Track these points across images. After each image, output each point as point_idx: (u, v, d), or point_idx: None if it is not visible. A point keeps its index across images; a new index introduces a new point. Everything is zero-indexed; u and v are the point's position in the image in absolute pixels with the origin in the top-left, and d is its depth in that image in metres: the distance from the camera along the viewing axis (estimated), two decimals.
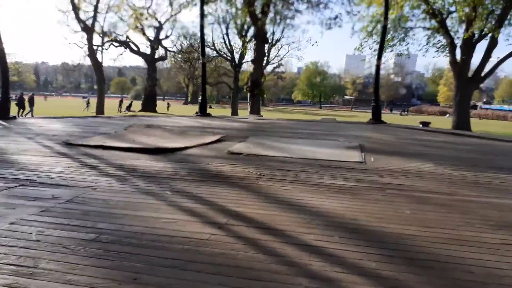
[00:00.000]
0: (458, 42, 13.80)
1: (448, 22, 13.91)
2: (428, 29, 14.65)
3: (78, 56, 55.24)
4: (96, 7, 21.84)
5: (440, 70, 61.09)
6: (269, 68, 33.74)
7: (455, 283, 1.33)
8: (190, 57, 33.19)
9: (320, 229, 1.82)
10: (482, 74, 14.11)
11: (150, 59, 30.30)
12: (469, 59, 13.90)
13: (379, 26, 13.20)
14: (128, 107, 29.99)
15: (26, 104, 17.65)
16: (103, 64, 23.99)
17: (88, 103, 28.68)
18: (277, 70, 38.48)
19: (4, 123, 6.27)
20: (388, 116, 20.22)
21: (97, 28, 22.75)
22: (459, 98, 14.19)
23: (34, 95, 19.46)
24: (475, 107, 42.62)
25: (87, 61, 24.15)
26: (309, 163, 3.54)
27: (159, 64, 37.89)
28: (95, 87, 30.66)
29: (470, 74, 14.21)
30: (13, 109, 16.81)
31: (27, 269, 1.30)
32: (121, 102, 30.54)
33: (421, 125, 9.75)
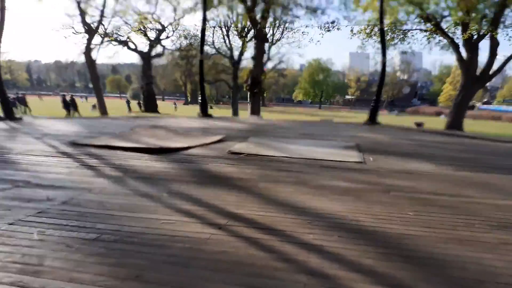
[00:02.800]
0: (459, 42, 13.84)
1: (444, 25, 13.99)
2: (425, 31, 14.73)
3: (72, 54, 54.62)
4: (102, 12, 21.93)
5: (447, 68, 59.91)
6: (269, 64, 33.49)
7: (450, 280, 1.35)
8: (188, 54, 33.03)
9: (322, 230, 1.82)
10: (490, 72, 14.08)
11: (146, 57, 30.19)
12: (475, 57, 13.87)
13: (376, 29, 13.29)
14: (140, 105, 30.30)
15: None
16: (97, 62, 23.96)
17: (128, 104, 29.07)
18: (278, 67, 38.17)
19: (12, 123, 6.22)
20: (383, 117, 20.23)
21: (100, 30, 22.81)
22: (460, 98, 14.18)
23: (65, 95, 19.61)
24: (472, 107, 42.57)
25: (81, 59, 24.12)
26: (308, 163, 3.55)
27: (155, 61, 37.61)
28: (90, 85, 30.66)
29: (478, 71, 14.17)
30: (62, 112, 16.91)
31: (32, 267, 1.31)
32: (128, 102, 30.66)
33: (416, 126, 9.80)
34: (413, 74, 68.19)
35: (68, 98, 18.28)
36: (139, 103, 31.33)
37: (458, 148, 5.39)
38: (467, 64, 13.90)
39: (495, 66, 14.08)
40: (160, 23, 25.94)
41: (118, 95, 65.63)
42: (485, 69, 14.05)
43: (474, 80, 13.98)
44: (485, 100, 56.32)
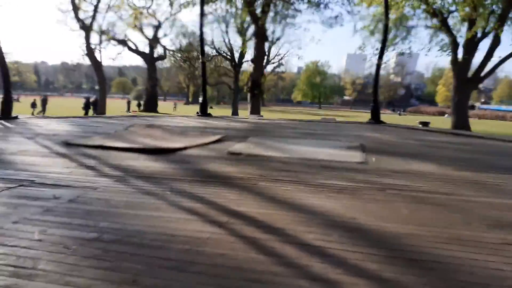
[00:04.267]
0: (461, 41, 13.80)
1: (450, 21, 13.91)
2: (430, 27, 14.66)
3: (77, 55, 55.29)
4: (96, 7, 21.83)
5: (440, 70, 61.28)
6: (269, 67, 33.73)
7: (457, 285, 1.32)
8: (189, 56, 33.27)
9: (321, 229, 1.81)
10: (482, 74, 14.10)
11: (149, 58, 30.34)
12: (471, 58, 13.90)
13: (380, 25, 13.22)
14: (139, 106, 30.86)
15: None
16: (103, 64, 24.00)
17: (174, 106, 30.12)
18: (277, 70, 38.44)
19: (5, 123, 6.27)
20: (387, 116, 20.23)
21: (95, 27, 22.77)
22: (457, 99, 14.21)
23: (90, 98, 20.05)
24: (473, 107, 42.74)
25: (87, 61, 24.19)
26: (309, 164, 3.53)
27: (159, 64, 37.97)
28: (97, 87, 31.03)
29: (470, 74, 14.20)
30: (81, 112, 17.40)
31: (25, 271, 1.29)
32: (129, 102, 31.22)
33: (420, 125, 9.76)
34: (406, 77, 70.10)
35: (92, 100, 18.85)
36: (139, 104, 31.85)
37: (463, 148, 5.33)
38: (460, 66, 13.93)
39: (487, 68, 14.11)
40: (155, 18, 25.87)
41: (122, 96, 66.76)
42: (477, 71, 14.10)
43: (466, 81, 14.00)
44: (483, 100, 56.83)
